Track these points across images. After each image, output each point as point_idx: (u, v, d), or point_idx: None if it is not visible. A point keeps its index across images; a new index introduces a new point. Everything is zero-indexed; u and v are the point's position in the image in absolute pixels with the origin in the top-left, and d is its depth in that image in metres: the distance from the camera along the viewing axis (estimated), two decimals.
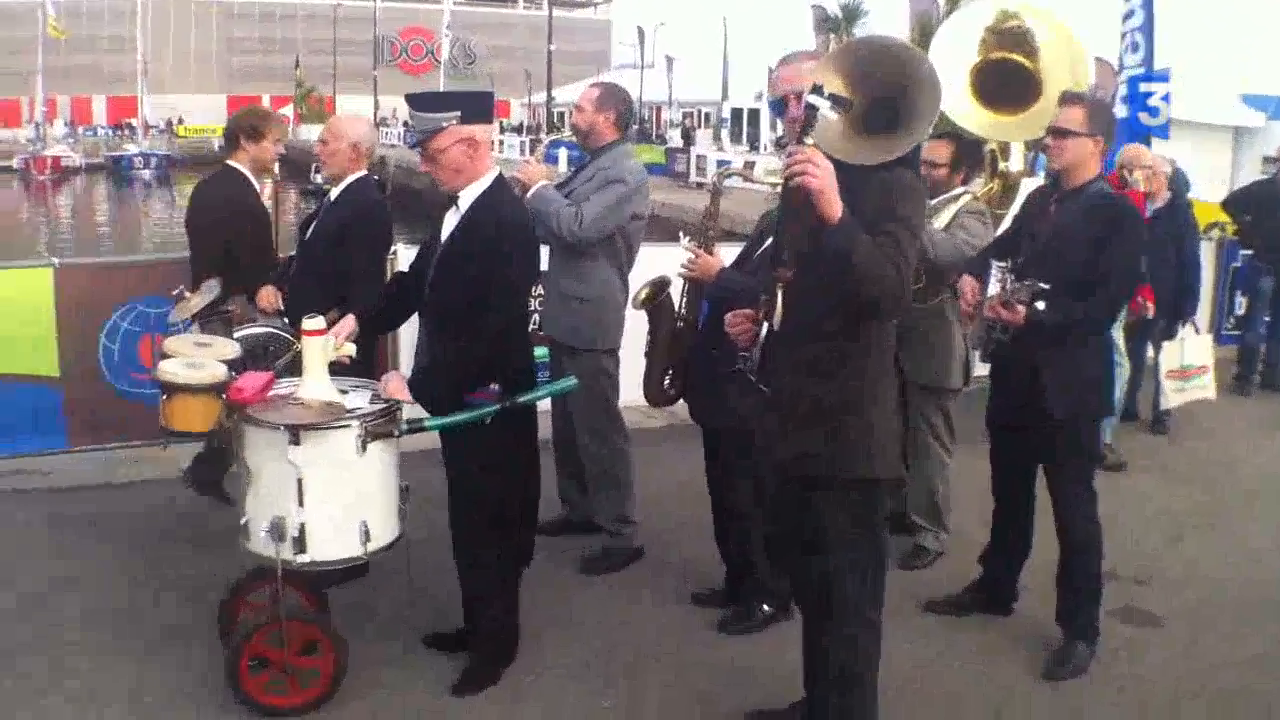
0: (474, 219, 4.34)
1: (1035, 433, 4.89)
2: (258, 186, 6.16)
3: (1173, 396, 8.83)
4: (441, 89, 72.69)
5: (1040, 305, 4.57)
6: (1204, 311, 11.00)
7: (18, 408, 6.77)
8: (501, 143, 52.51)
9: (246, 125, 6.09)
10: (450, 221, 4.43)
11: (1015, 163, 5.73)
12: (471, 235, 4.32)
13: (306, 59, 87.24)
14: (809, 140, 3.34)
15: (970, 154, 5.89)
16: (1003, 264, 4.88)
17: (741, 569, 5.30)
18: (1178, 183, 9.18)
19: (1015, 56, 5.60)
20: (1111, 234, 4.67)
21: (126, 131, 71.86)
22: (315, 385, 4.23)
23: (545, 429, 5.13)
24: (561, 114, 64.56)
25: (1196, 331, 8.99)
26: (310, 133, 73.31)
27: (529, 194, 5.51)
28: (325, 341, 4.24)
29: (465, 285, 4.26)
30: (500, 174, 4.47)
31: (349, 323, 4.49)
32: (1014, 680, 4.82)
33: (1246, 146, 31.62)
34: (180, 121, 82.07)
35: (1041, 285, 4.56)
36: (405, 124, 68.05)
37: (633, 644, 5.05)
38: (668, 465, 7.01)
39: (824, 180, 3.32)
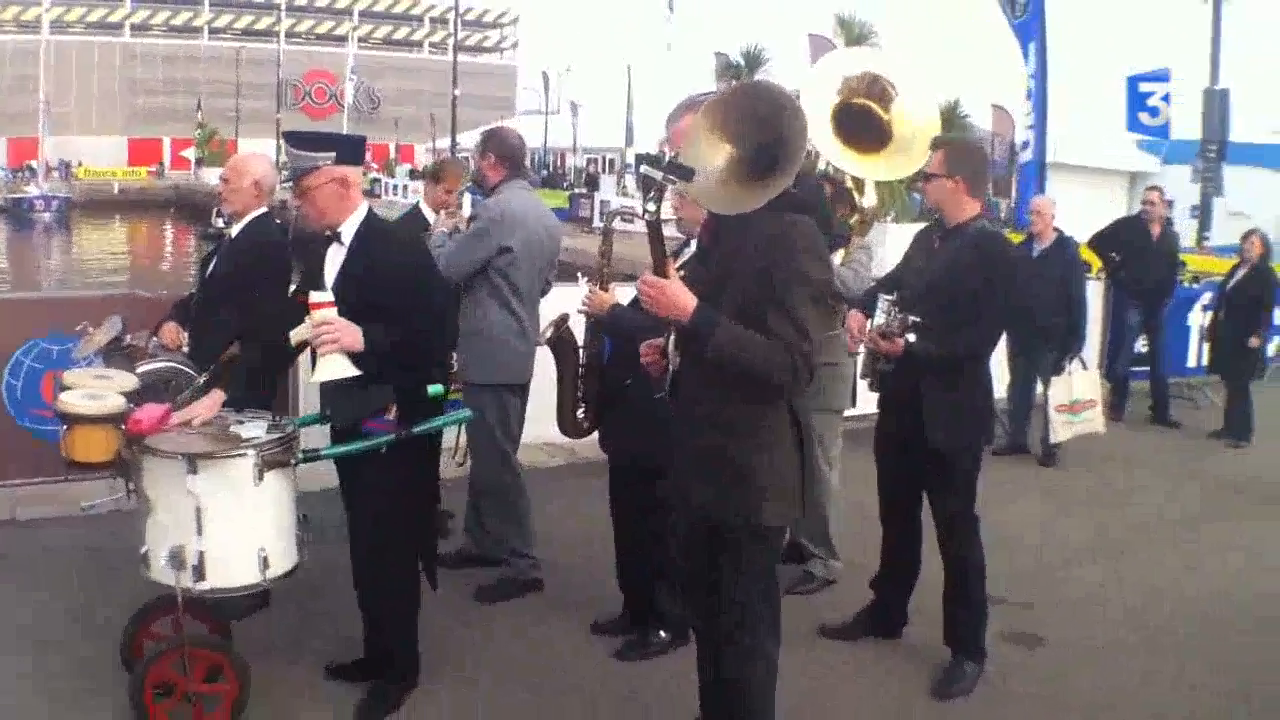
0: (366, 247, 4.48)
1: (918, 460, 5.08)
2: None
3: (1061, 430, 9.13)
4: (345, 132, 72.92)
5: (911, 337, 4.78)
6: (1093, 349, 11.40)
7: None
8: (406, 188, 52.34)
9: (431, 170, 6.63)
10: (335, 256, 4.53)
11: (869, 198, 5.98)
12: (372, 261, 4.45)
13: (209, 101, 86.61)
14: (652, 208, 3.47)
15: (842, 194, 6.13)
16: (889, 297, 5.07)
17: (639, 598, 5.41)
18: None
19: (869, 103, 5.85)
20: (987, 271, 4.88)
21: (26, 173, 70.58)
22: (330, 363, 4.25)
23: None
24: (466, 158, 64.69)
25: (1084, 367, 9.29)
26: (212, 175, 72.64)
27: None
28: (329, 313, 4.23)
29: (385, 308, 4.33)
30: (370, 208, 4.60)
31: (216, 401, 4.51)
32: (906, 700, 4.98)
33: (1141, 190, 32.58)
34: (79, 164, 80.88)
35: (913, 318, 4.78)
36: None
37: (533, 669, 5.14)
38: (568, 502, 7.19)
39: (658, 301, 3.55)
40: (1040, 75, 14.06)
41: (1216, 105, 21.20)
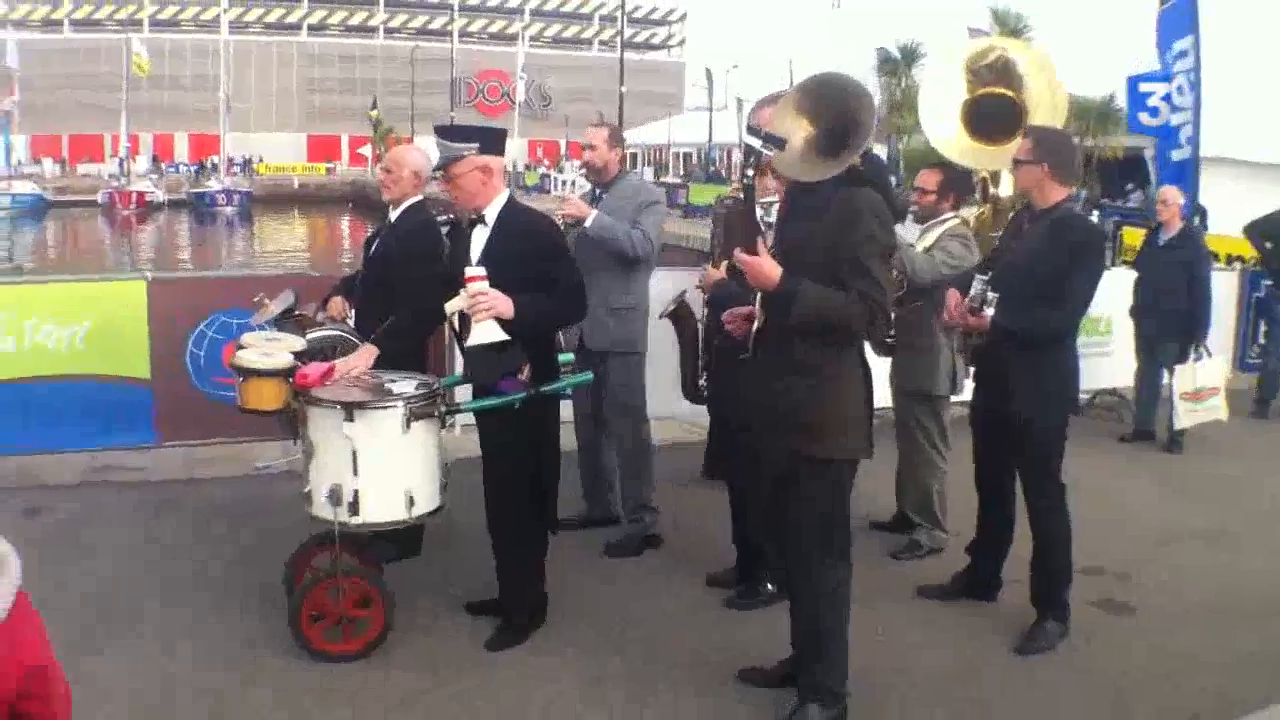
0: (509, 228, 5.09)
1: (1007, 431, 5.45)
2: None
3: (1185, 417, 9.30)
4: (516, 130, 74.21)
5: (989, 311, 5.18)
6: (1227, 339, 11.43)
7: (113, 406, 7.53)
8: (574, 183, 53.46)
9: None
10: (480, 236, 5.14)
11: (1005, 189, 6.29)
12: (514, 239, 5.05)
13: (384, 100, 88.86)
14: (750, 174, 4.09)
15: (958, 182, 6.50)
16: (982, 276, 5.45)
17: (752, 553, 5.89)
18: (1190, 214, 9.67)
19: (1002, 90, 6.15)
20: (1069, 252, 5.24)
21: (208, 168, 73.50)
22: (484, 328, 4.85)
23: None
24: (633, 154, 65.50)
25: (1209, 355, 9.45)
26: None
27: (588, 223, 6.19)
28: (483, 285, 4.83)
29: (527, 280, 4.92)
30: (511, 194, 5.21)
31: (370, 354, 5.17)
32: (990, 654, 5.35)
33: None
34: (260, 160, 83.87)
35: (992, 294, 5.17)
36: None
37: (647, 615, 5.65)
38: (687, 473, 7.78)
39: (753, 273, 4.12)
40: (1197, 69, 13.96)
41: None
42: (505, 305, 4.78)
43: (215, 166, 72.64)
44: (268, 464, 7.78)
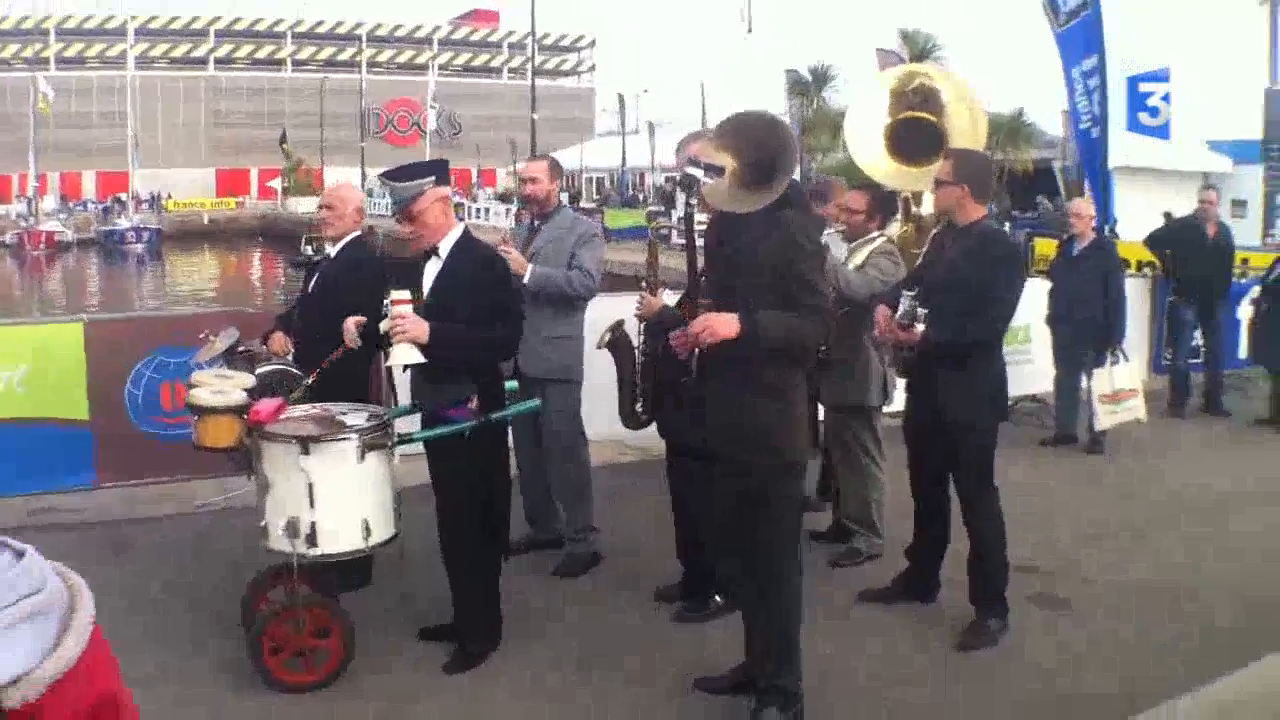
0: (461, 259, 5.23)
1: (941, 439, 5.68)
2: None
3: (1105, 419, 9.63)
4: (427, 159, 73.99)
5: (919, 326, 5.41)
6: (1141, 343, 11.82)
7: (53, 448, 7.51)
8: (488, 210, 53.57)
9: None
10: (432, 269, 5.28)
11: (927, 208, 6.53)
12: (464, 272, 5.20)
13: (294, 132, 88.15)
14: (692, 202, 4.34)
15: (885, 202, 6.75)
16: (909, 292, 5.67)
17: (697, 568, 6.04)
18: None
19: (924, 115, 6.39)
20: (991, 266, 5.50)
21: (117, 206, 72.48)
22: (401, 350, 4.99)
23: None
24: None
25: (1125, 359, 9.78)
26: (298, 205, 74.28)
27: (526, 279, 6.32)
28: (409, 309, 4.98)
29: (475, 310, 5.10)
30: (465, 227, 5.39)
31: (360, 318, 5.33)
32: (934, 652, 5.55)
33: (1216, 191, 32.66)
34: (169, 196, 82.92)
35: (922, 310, 5.41)
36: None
37: (600, 631, 5.79)
38: (624, 494, 7.92)
39: (713, 330, 4.35)
40: (1101, 83, 14.36)
41: (1278, 104, 21.51)
42: (419, 329, 4.92)
43: (123, 203, 71.64)
44: (205, 502, 7.82)
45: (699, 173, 4.37)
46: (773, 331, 4.35)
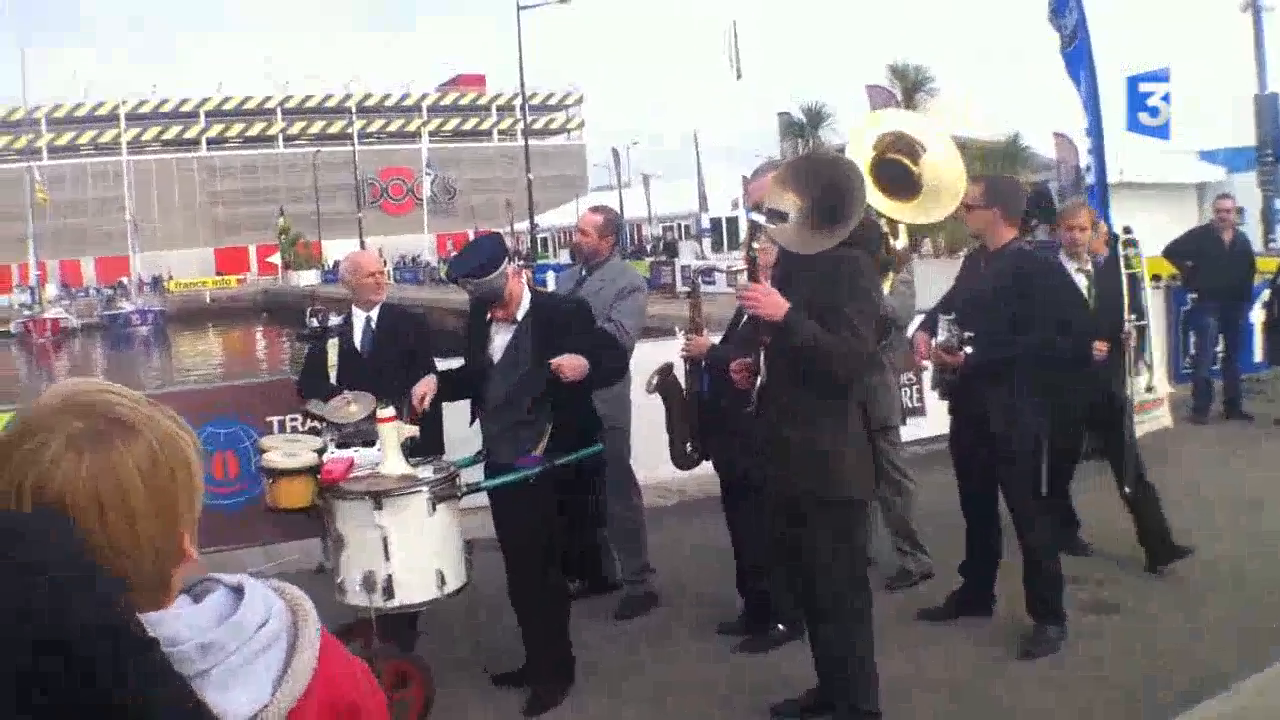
0: (541, 316, 5.52)
1: (987, 455, 5.83)
2: None
3: (1135, 430, 9.71)
4: (425, 225, 74.39)
5: (968, 349, 5.57)
6: (1159, 353, 11.95)
7: None
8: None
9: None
10: (507, 331, 5.54)
11: (901, 240, 6.66)
12: (550, 326, 5.48)
13: (290, 206, 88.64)
14: (756, 245, 4.48)
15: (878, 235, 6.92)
16: (948, 317, 5.84)
17: (758, 600, 6.17)
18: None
19: (900, 158, 6.52)
20: (1031, 285, 5.67)
21: (119, 290, 72.77)
22: (393, 462, 5.14)
23: None
24: (544, 239, 65.93)
25: (1150, 369, 9.88)
26: (299, 278, 74.68)
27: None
28: (397, 426, 5.17)
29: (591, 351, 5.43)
30: (525, 286, 5.68)
31: (430, 382, 5.52)
32: (996, 661, 5.68)
33: (1210, 200, 32.93)
34: (170, 277, 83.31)
35: (968, 333, 5.56)
36: (406, 262, 69.41)
37: (669, 667, 5.91)
38: (677, 532, 8.07)
39: (763, 303, 4.50)
40: (1092, 100, 14.52)
41: (1268, 110, 21.76)
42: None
43: (125, 287, 71.93)
44: (256, 569, 7.92)
45: (761, 218, 4.51)
46: (807, 335, 4.45)
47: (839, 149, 4.58)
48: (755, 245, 4.72)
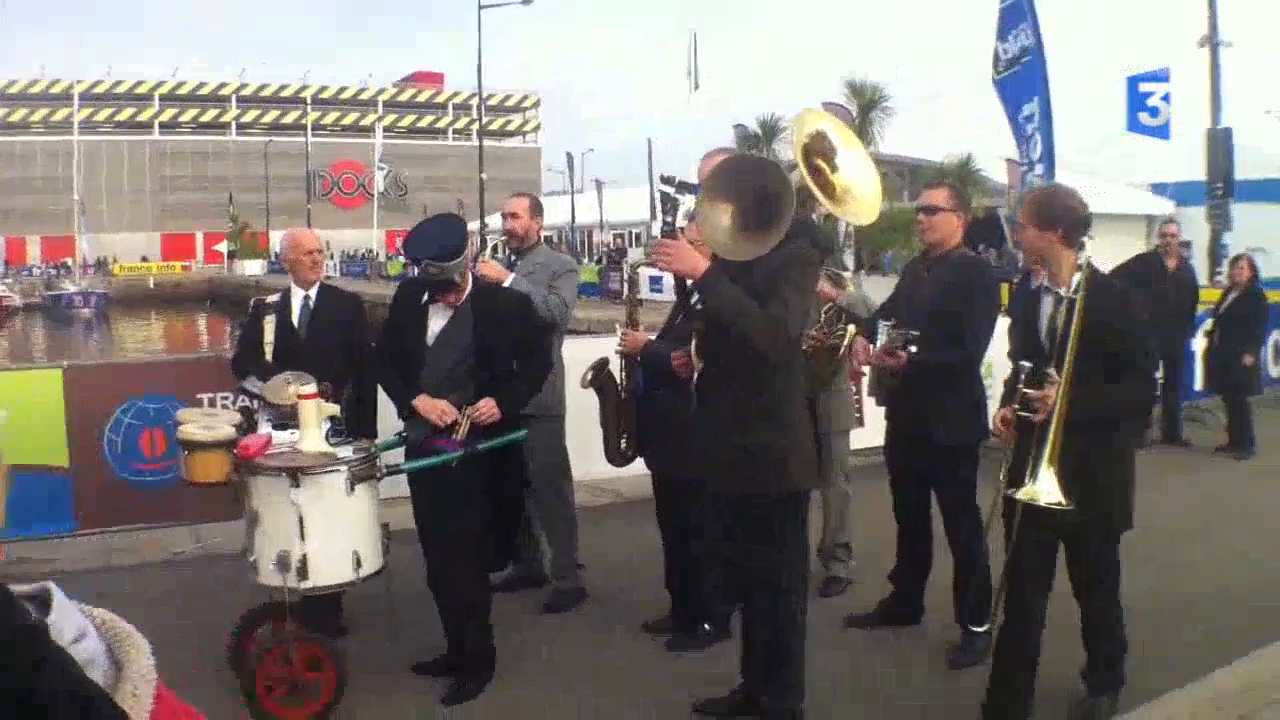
0: (483, 306, 5.41)
1: (923, 460, 5.76)
2: None
3: None
4: (375, 221, 74.05)
5: (912, 349, 5.50)
6: None
7: (31, 495, 7.37)
8: (495, 247, 53.64)
9: None
10: (444, 314, 5.40)
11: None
12: (499, 311, 5.44)
13: (239, 196, 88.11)
14: (669, 220, 4.36)
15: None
16: (888, 322, 5.77)
17: (686, 598, 6.07)
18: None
19: (819, 162, 6.46)
20: (970, 289, 5.63)
21: (63, 271, 71.78)
22: (312, 439, 4.99)
23: None
24: (495, 244, 65.71)
25: None
26: (244, 268, 74.02)
27: (506, 283, 6.38)
28: (318, 403, 5.02)
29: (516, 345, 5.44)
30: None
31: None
32: (923, 672, 5.61)
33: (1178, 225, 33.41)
34: (114, 260, 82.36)
35: (912, 333, 5.49)
36: (350, 256, 69.13)
37: (594, 663, 5.79)
38: (612, 530, 7.97)
39: (678, 257, 4.37)
40: (1046, 123, 14.53)
41: (1220, 145, 21.97)
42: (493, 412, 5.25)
43: (69, 268, 70.98)
44: (181, 550, 7.74)
45: (671, 190, 4.41)
46: (727, 295, 4.30)
47: (790, 165, 4.34)
48: (669, 219, 4.60)
